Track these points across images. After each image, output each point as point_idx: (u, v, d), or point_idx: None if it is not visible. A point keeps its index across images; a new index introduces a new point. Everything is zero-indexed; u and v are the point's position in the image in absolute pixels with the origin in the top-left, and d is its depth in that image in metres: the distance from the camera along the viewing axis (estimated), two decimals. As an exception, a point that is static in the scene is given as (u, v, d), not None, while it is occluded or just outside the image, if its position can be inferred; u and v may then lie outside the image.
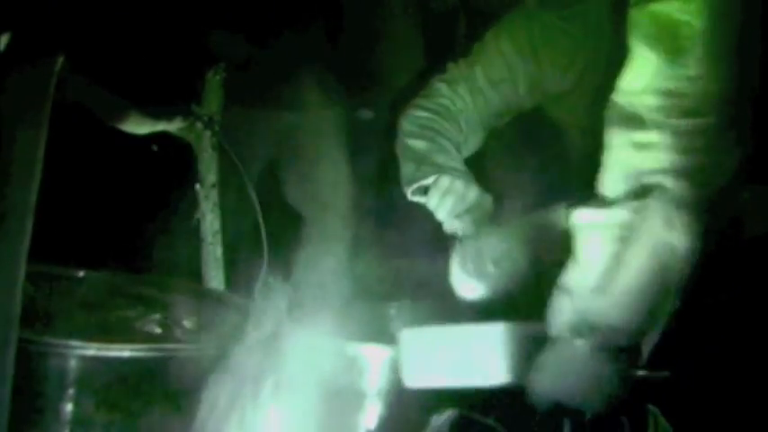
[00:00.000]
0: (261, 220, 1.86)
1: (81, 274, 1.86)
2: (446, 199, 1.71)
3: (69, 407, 1.43)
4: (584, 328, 1.28)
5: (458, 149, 1.83)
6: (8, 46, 1.28)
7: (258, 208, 1.86)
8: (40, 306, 1.60)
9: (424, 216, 1.78)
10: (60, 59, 1.34)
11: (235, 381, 1.56)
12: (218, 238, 2.06)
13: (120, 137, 1.84)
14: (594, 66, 1.81)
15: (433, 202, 1.74)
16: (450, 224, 1.73)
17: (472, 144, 1.89)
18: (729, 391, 1.39)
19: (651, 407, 1.40)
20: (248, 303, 1.81)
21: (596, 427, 1.34)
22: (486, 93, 1.87)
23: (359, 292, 1.92)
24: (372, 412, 1.70)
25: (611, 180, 1.30)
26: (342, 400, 1.70)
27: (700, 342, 1.43)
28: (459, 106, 1.87)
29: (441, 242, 1.77)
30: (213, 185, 2.05)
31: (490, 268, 1.65)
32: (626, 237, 1.25)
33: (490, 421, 1.45)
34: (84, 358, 1.43)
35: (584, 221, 1.31)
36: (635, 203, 1.25)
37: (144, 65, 1.82)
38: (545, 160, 1.88)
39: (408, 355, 1.54)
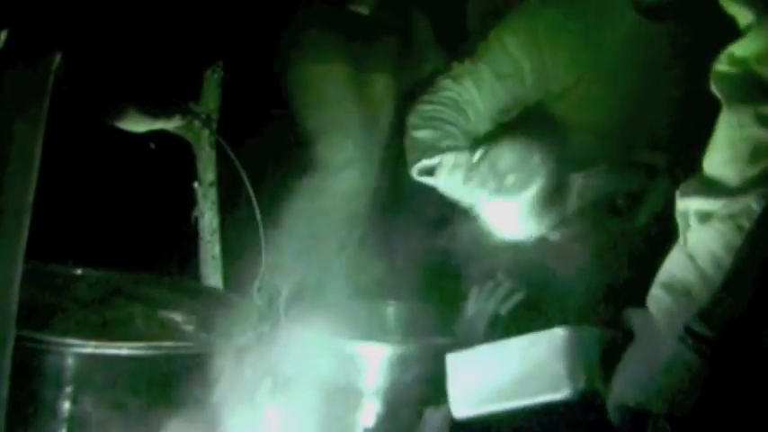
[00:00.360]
0: (259, 218, 1.86)
1: (79, 272, 1.86)
2: (454, 173, 1.71)
3: (67, 405, 1.43)
4: (697, 328, 1.12)
5: (467, 137, 1.83)
6: (6, 43, 1.28)
7: (257, 205, 1.86)
8: (38, 304, 1.60)
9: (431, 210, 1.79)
10: (58, 57, 1.34)
11: (233, 379, 1.57)
12: (217, 236, 2.06)
13: (118, 135, 1.84)
14: (596, 62, 1.81)
15: (441, 180, 1.74)
16: (466, 197, 1.73)
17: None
18: (729, 392, 1.37)
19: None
20: (246, 302, 1.82)
21: (595, 428, 1.33)
22: (494, 86, 1.87)
23: (357, 290, 1.92)
24: (370, 410, 1.70)
25: (729, 161, 1.13)
26: (339, 398, 1.70)
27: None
28: (466, 98, 1.87)
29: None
30: (211, 184, 2.05)
31: (509, 180, 1.61)
32: (754, 227, 1.09)
33: (491, 419, 1.42)
34: (81, 356, 1.44)
35: (696, 210, 1.16)
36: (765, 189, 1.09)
37: (142, 63, 1.82)
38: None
39: (458, 382, 1.43)
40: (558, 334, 1.32)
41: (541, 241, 1.69)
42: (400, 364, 1.68)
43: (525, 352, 1.36)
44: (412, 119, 1.87)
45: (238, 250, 2.03)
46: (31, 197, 1.28)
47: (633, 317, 1.24)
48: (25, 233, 1.27)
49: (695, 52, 1.26)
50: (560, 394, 1.30)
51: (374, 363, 1.69)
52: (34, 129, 1.28)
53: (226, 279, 2.07)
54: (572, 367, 1.30)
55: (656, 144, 1.78)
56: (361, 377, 1.69)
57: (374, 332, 1.87)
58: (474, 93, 1.87)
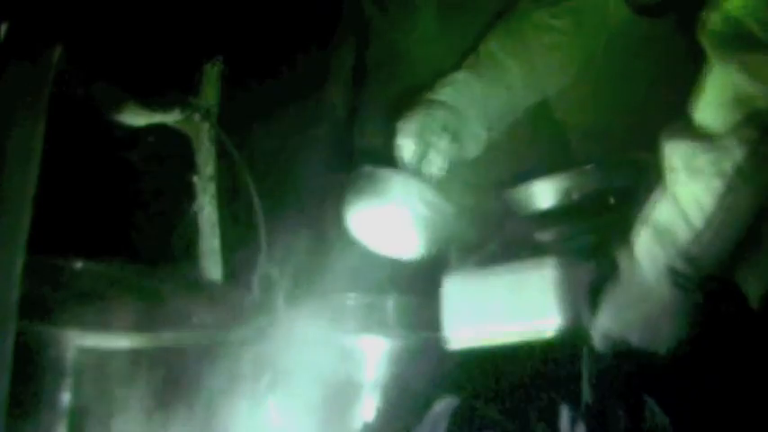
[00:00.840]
0: (259, 211, 1.86)
1: (79, 264, 1.86)
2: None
3: (67, 397, 1.43)
4: (678, 267, 1.21)
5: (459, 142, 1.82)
6: (6, 36, 1.28)
7: (256, 198, 1.86)
8: (38, 296, 1.60)
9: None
10: (58, 50, 1.34)
11: (232, 372, 1.57)
12: (216, 230, 2.06)
13: (117, 128, 1.84)
14: (591, 62, 1.82)
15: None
16: None
17: (476, 144, 1.88)
18: (728, 383, 1.38)
19: (647, 397, 1.39)
20: (246, 295, 1.82)
21: (593, 418, 1.34)
22: (482, 94, 1.85)
23: (356, 283, 1.93)
24: (370, 404, 1.70)
25: (713, 107, 1.19)
26: (339, 391, 1.70)
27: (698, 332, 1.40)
28: (454, 106, 1.84)
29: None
30: (211, 177, 2.05)
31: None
32: (735, 171, 1.15)
33: (491, 410, 1.43)
34: (82, 349, 1.44)
35: (681, 154, 1.21)
36: (749, 132, 1.14)
37: (142, 56, 1.82)
38: (547, 162, 1.87)
39: (451, 305, 1.45)
40: (548, 266, 1.36)
41: (533, 241, 1.69)
42: (401, 357, 1.69)
43: (517, 282, 1.39)
44: (401, 138, 1.81)
45: (238, 244, 2.03)
46: (31, 190, 1.28)
47: (620, 254, 1.29)
48: (26, 226, 1.27)
49: (692, 50, 1.27)
50: (548, 324, 1.34)
51: (374, 356, 1.70)
52: (35, 122, 1.29)
53: (225, 273, 2.07)
54: (560, 299, 1.33)
55: (651, 143, 1.79)
56: (361, 371, 1.70)
57: (374, 325, 1.88)
58: (462, 102, 1.84)
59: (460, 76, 1.86)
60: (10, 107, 1.28)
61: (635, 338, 1.27)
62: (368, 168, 1.63)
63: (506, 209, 1.66)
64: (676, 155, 1.21)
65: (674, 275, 1.21)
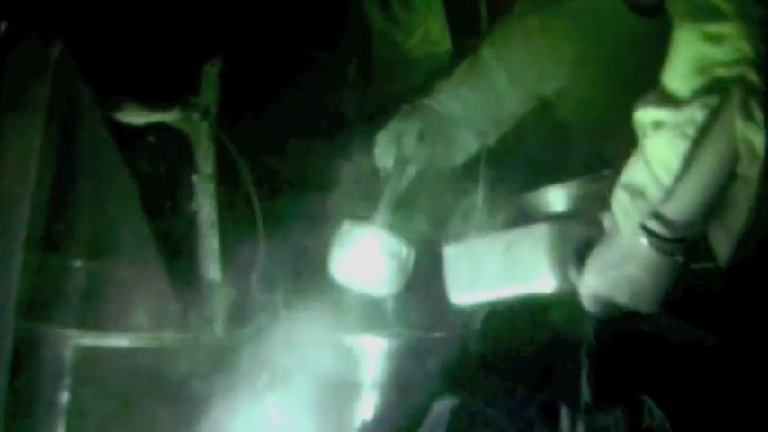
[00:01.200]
0: (258, 210, 1.86)
1: (78, 264, 1.86)
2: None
3: (65, 396, 1.44)
4: (651, 226, 1.26)
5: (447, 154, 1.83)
6: (7, 33, 1.28)
7: (255, 198, 1.86)
8: (37, 295, 1.60)
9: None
10: (58, 48, 1.34)
11: (231, 371, 1.57)
12: (215, 229, 2.06)
13: (117, 127, 1.84)
14: (590, 62, 1.81)
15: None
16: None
17: (465, 150, 1.87)
18: (725, 381, 1.39)
19: (645, 397, 1.40)
20: (244, 294, 1.82)
21: (592, 417, 1.34)
22: (473, 102, 1.84)
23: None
24: (368, 403, 1.70)
25: (679, 75, 1.26)
26: (338, 391, 1.71)
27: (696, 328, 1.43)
28: (446, 114, 1.83)
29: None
30: (210, 176, 2.04)
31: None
32: (697, 135, 1.22)
33: (490, 410, 1.44)
34: (80, 348, 1.44)
35: (651, 120, 1.27)
36: (710, 99, 1.21)
37: (141, 55, 1.82)
38: (549, 163, 1.87)
39: (453, 271, 1.54)
40: (539, 230, 1.40)
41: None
42: (400, 356, 1.69)
43: (511, 246, 1.44)
44: (377, 147, 1.81)
45: (238, 243, 2.03)
46: (31, 187, 1.28)
47: (603, 215, 1.35)
48: (25, 224, 1.28)
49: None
50: (540, 286, 1.39)
51: (374, 355, 1.70)
52: (34, 118, 1.29)
53: (224, 272, 2.06)
54: (550, 261, 1.38)
55: None
56: (360, 370, 1.70)
57: (374, 324, 1.87)
58: (453, 108, 1.82)
59: (452, 82, 1.85)
60: (10, 104, 1.29)
61: (619, 298, 1.31)
62: (347, 224, 1.71)
63: (520, 214, 1.68)
64: (645, 119, 1.28)
65: (649, 235, 1.26)
